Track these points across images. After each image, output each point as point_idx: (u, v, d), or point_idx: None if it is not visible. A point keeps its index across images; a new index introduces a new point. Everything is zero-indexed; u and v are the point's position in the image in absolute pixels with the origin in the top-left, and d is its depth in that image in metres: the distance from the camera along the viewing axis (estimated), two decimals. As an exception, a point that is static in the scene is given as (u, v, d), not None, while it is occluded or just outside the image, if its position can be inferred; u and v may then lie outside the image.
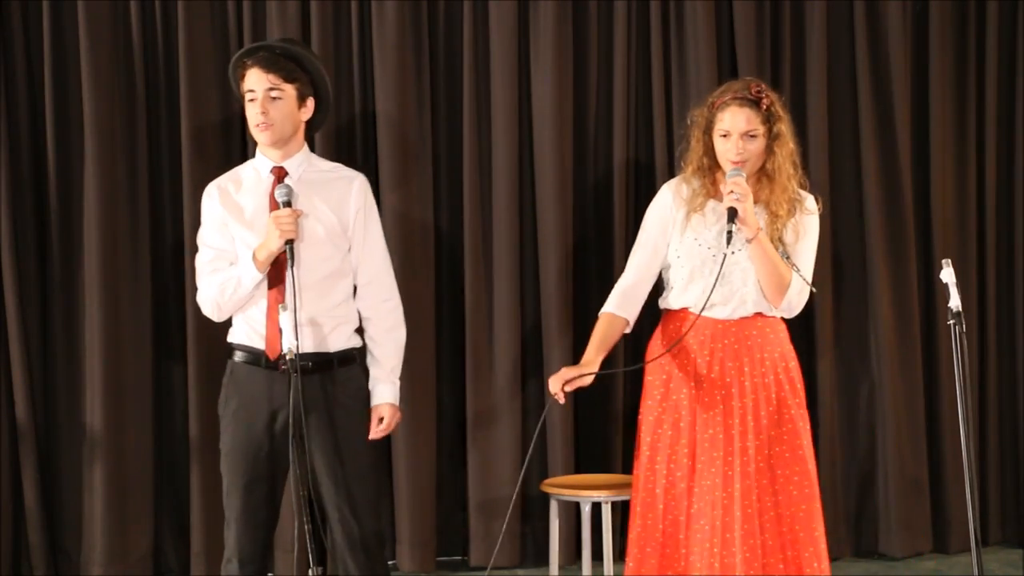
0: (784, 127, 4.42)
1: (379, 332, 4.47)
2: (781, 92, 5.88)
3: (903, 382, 6.03)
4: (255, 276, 4.29)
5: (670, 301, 4.53)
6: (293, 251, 4.24)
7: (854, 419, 6.10)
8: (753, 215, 4.33)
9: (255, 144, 5.74)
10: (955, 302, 4.04)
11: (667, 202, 4.52)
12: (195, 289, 5.62)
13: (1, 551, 5.67)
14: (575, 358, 5.88)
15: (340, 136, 5.83)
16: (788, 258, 4.41)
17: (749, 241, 4.34)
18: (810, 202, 4.50)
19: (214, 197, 4.45)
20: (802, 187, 4.51)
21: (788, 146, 4.42)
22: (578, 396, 5.91)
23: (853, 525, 6.12)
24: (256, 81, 4.35)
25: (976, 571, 4.02)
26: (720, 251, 4.35)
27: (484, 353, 5.86)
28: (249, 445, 4.32)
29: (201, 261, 4.43)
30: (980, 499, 6.08)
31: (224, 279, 4.34)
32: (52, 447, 5.77)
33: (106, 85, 5.68)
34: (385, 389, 4.46)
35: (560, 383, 4.48)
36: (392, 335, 4.49)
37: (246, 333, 4.38)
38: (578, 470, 5.84)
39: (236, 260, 4.38)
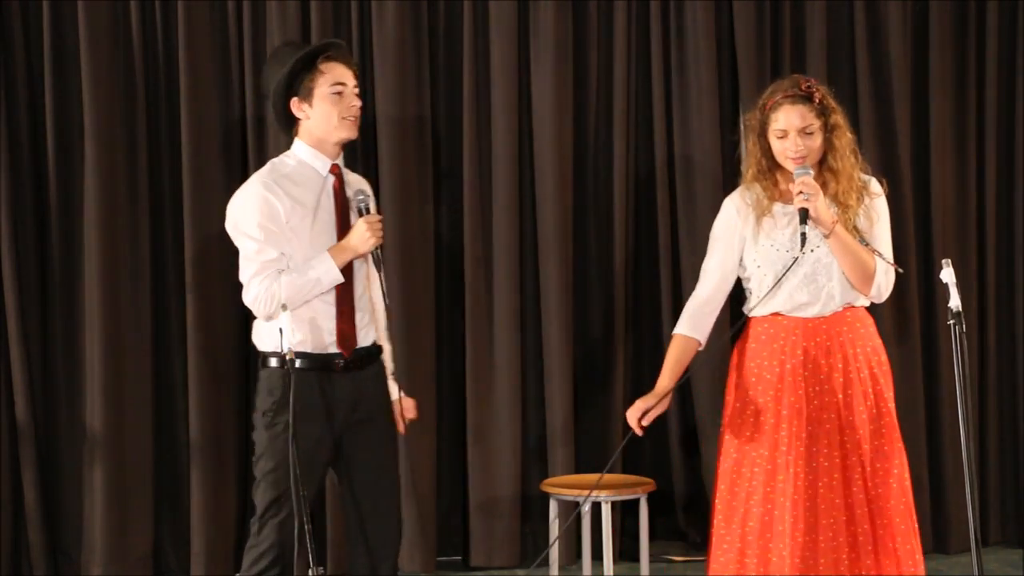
0: (839, 118, 4.39)
1: (382, 329, 4.50)
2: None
3: (903, 382, 6.02)
4: (337, 278, 4.27)
5: (757, 308, 4.45)
6: (378, 255, 4.31)
7: (854, 419, 6.10)
8: (826, 210, 4.31)
9: (256, 144, 5.77)
10: (955, 302, 4.03)
11: (731, 215, 4.47)
12: (196, 289, 5.68)
13: (1, 551, 5.67)
14: (575, 358, 5.89)
15: (340, 136, 5.83)
16: (867, 244, 4.40)
17: (827, 236, 4.33)
18: (874, 185, 4.48)
19: (279, 193, 4.30)
20: (864, 171, 4.51)
21: (847, 136, 4.40)
22: (578, 396, 5.93)
23: (853, 525, 6.12)
24: (344, 74, 4.35)
25: (976, 571, 4.01)
26: (798, 252, 4.33)
27: (484, 353, 5.86)
28: (314, 452, 4.27)
29: (264, 258, 4.27)
30: (980, 499, 6.08)
31: (300, 280, 4.25)
32: (52, 447, 5.77)
33: (106, 85, 5.68)
34: (395, 384, 4.51)
35: (637, 416, 4.43)
36: (388, 334, 4.53)
37: (305, 336, 4.29)
38: (578, 470, 5.84)
39: (290, 261, 4.30)
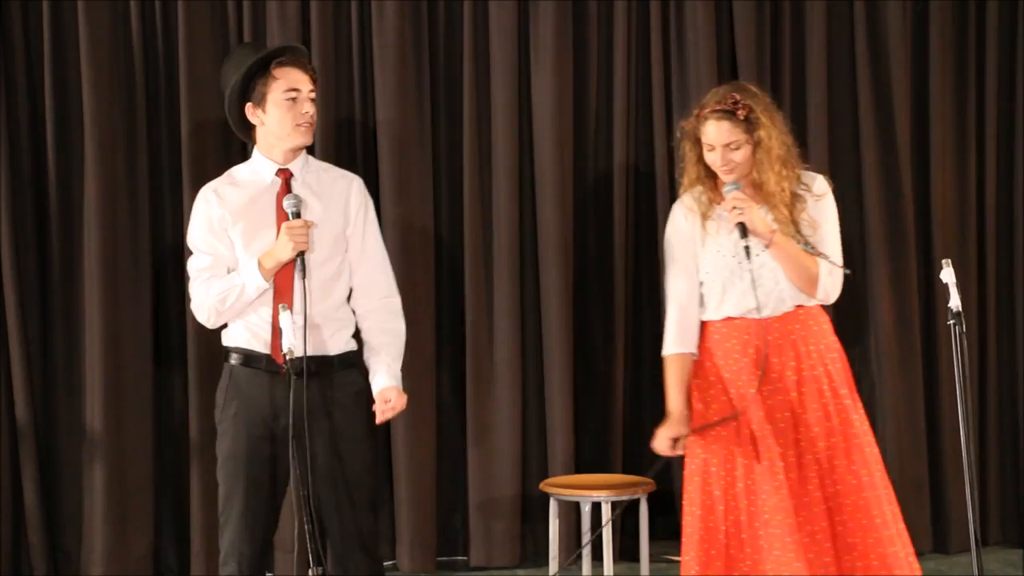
0: (765, 133, 4.39)
1: (377, 325, 4.41)
2: (781, 92, 5.92)
3: (903, 382, 6.03)
4: (261, 285, 4.25)
5: (708, 314, 4.50)
6: (304, 262, 4.21)
7: (854, 419, 6.10)
8: (762, 221, 4.35)
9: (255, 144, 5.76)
10: (955, 302, 4.04)
11: (680, 220, 4.51)
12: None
13: (1, 551, 5.67)
14: (575, 358, 5.89)
15: (340, 136, 5.83)
16: (813, 247, 4.42)
17: (767, 247, 4.35)
18: (819, 184, 4.50)
19: (211, 201, 4.36)
20: (809, 168, 4.52)
21: (774, 152, 4.41)
22: (578, 396, 5.92)
23: (853, 525, 6.12)
24: (299, 80, 4.30)
25: (976, 571, 4.02)
26: (742, 257, 4.37)
27: (484, 353, 5.86)
28: (251, 449, 4.28)
29: (196, 267, 4.35)
30: (980, 499, 6.08)
31: (225, 287, 4.27)
32: (52, 447, 5.77)
33: (106, 85, 5.68)
34: (386, 375, 4.38)
35: (666, 448, 4.44)
36: (391, 326, 4.43)
37: (246, 337, 4.32)
38: (578, 470, 5.84)
39: (234, 265, 4.32)
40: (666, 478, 5.95)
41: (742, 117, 4.38)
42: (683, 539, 4.46)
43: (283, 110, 4.30)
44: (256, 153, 4.41)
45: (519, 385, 5.88)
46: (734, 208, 4.33)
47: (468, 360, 5.87)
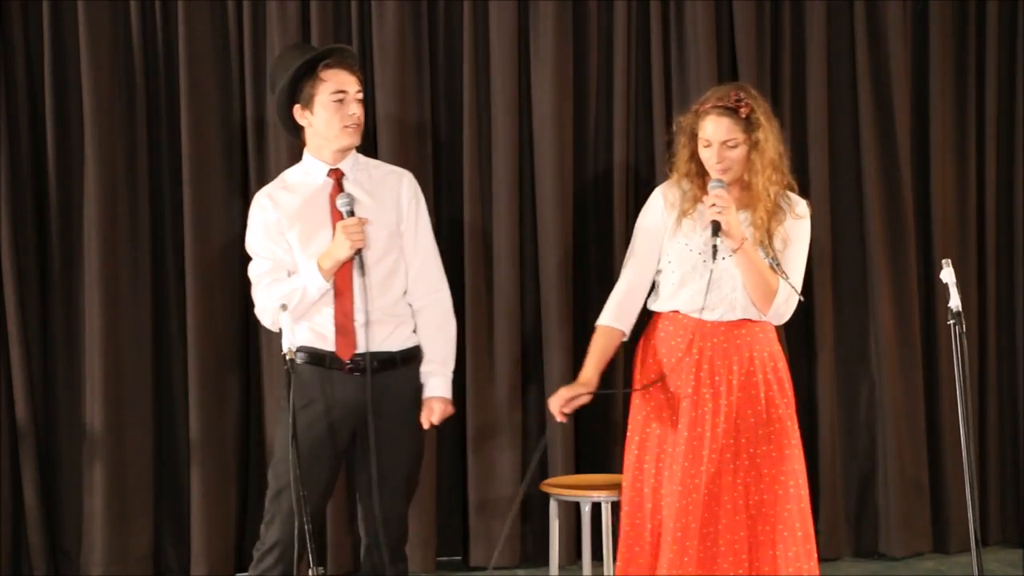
0: (763, 135, 4.41)
1: (431, 325, 4.51)
2: (781, 92, 5.92)
3: (903, 382, 6.03)
4: (322, 286, 4.30)
5: (659, 304, 4.55)
6: (362, 259, 4.28)
7: (854, 419, 6.10)
8: (737, 225, 4.35)
9: (256, 144, 5.77)
10: (955, 302, 4.05)
11: (658, 208, 4.54)
12: (195, 289, 5.68)
13: (1, 551, 5.67)
14: (575, 358, 5.88)
15: (340, 136, 5.83)
16: (778, 265, 4.42)
17: (735, 251, 4.36)
18: (801, 207, 4.51)
19: (266, 207, 4.42)
20: (791, 190, 4.52)
21: (767, 155, 4.42)
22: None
23: (853, 525, 6.12)
24: (347, 81, 4.37)
25: (976, 571, 4.02)
26: (710, 257, 4.38)
27: (484, 353, 5.86)
28: (316, 445, 4.32)
29: (258, 272, 4.40)
30: (980, 499, 6.08)
31: (287, 291, 4.32)
32: (52, 447, 5.77)
33: (106, 85, 5.68)
34: (437, 382, 4.51)
35: (559, 404, 4.49)
36: (444, 328, 4.55)
37: (309, 337, 4.36)
38: (578, 470, 5.84)
39: (294, 268, 4.37)
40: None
41: (743, 116, 4.38)
42: (619, 536, 4.52)
43: (330, 112, 4.36)
44: (306, 155, 4.47)
45: (519, 385, 5.88)
46: (713, 205, 4.33)
47: (468, 360, 5.87)
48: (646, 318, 4.67)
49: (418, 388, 4.49)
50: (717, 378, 4.41)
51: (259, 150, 5.72)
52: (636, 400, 4.54)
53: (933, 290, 6.04)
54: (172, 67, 5.74)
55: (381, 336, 4.36)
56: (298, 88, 4.38)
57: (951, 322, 4.05)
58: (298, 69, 4.35)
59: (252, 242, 4.44)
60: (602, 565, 5.02)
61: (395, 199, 4.48)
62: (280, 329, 4.16)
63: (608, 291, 5.91)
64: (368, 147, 5.82)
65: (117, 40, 5.71)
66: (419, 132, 5.83)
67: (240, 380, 5.76)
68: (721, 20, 5.94)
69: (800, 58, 6.02)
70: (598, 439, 5.97)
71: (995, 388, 6.20)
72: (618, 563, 4.52)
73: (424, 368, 4.50)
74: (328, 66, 4.36)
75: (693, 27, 5.90)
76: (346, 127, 4.37)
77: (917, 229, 6.07)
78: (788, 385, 4.51)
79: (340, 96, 4.35)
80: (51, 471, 5.76)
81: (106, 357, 5.67)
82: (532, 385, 5.93)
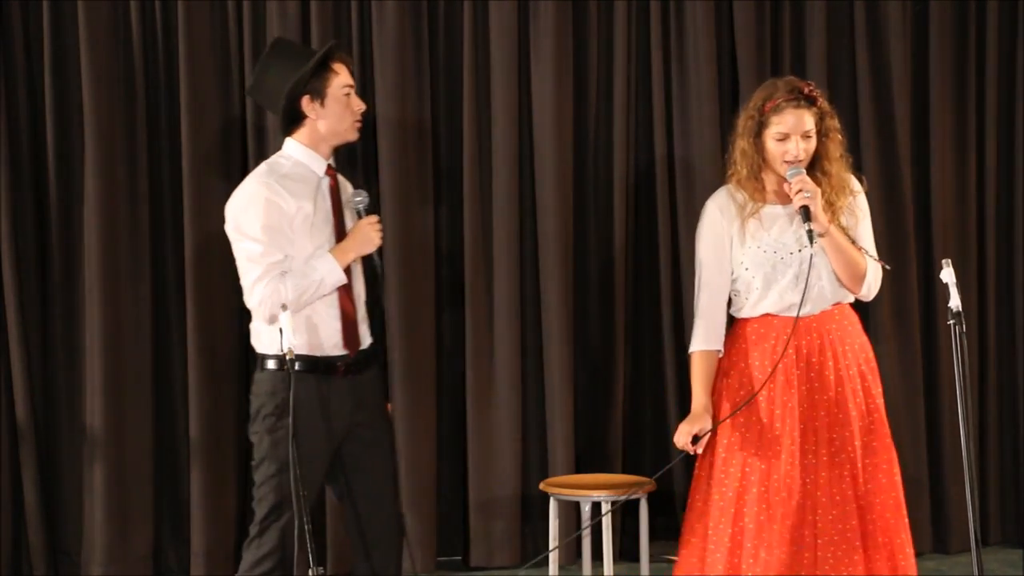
0: (834, 122, 4.44)
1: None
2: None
3: (903, 382, 6.03)
4: (340, 279, 4.26)
5: (747, 311, 4.46)
6: (377, 258, 4.31)
7: (854, 419, 6.10)
8: (822, 211, 4.34)
9: (255, 143, 5.77)
10: (955, 302, 4.04)
11: (716, 217, 4.46)
12: (195, 288, 5.68)
13: (1, 551, 5.67)
14: (575, 358, 5.89)
15: (340, 136, 5.83)
16: (854, 242, 4.42)
17: (822, 236, 4.34)
18: (855, 182, 4.51)
19: (283, 194, 4.24)
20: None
21: (839, 138, 4.45)
22: (578, 396, 5.92)
23: (853, 525, 6.11)
24: (350, 77, 4.36)
25: (976, 571, 4.01)
26: (786, 252, 4.36)
27: (484, 353, 5.86)
28: (315, 455, 4.26)
29: (270, 260, 4.21)
30: (980, 499, 6.08)
31: (304, 282, 4.21)
32: (52, 447, 5.77)
33: (106, 85, 5.68)
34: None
35: (687, 440, 4.39)
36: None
37: (303, 340, 4.25)
38: (578, 470, 5.84)
39: (292, 263, 4.28)
40: (666, 478, 5.95)
41: (818, 105, 4.39)
42: (682, 536, 4.44)
43: (342, 105, 4.32)
44: (296, 146, 4.36)
45: (519, 385, 5.88)
46: (800, 191, 4.28)
47: (468, 360, 5.87)
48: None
49: (383, 385, 4.53)
50: (812, 374, 4.38)
51: (259, 149, 5.72)
52: (726, 404, 4.41)
53: (933, 290, 6.04)
54: (172, 67, 5.74)
55: (364, 334, 4.39)
56: (307, 79, 4.33)
57: (951, 322, 4.04)
58: (317, 59, 4.29)
59: (254, 228, 4.23)
60: (602, 565, 5.01)
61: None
62: (278, 326, 4.10)
63: (608, 290, 5.95)
64: (368, 147, 5.84)
65: (117, 40, 5.71)
66: (419, 132, 5.83)
67: (240, 380, 5.75)
68: (721, 20, 5.94)
69: (800, 58, 6.02)
70: (598, 439, 5.97)
71: (995, 388, 6.20)
72: (693, 559, 4.40)
73: None
74: (339, 60, 4.36)
75: (693, 27, 5.90)
76: (356, 121, 4.37)
77: (917, 229, 6.07)
78: (878, 376, 4.50)
79: (348, 90, 4.34)
80: (51, 471, 5.76)
81: (106, 357, 5.67)
82: (532, 385, 5.93)
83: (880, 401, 4.45)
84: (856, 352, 4.44)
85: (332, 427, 4.28)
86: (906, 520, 4.40)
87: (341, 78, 4.33)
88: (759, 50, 5.95)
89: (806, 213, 4.28)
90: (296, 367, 4.07)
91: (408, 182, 5.82)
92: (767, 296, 4.41)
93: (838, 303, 4.44)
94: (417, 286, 5.80)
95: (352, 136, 4.39)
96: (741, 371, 4.41)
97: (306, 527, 3.98)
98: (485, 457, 5.88)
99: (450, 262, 5.93)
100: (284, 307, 4.13)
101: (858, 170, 5.98)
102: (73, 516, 5.77)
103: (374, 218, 4.33)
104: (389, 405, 4.58)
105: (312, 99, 4.31)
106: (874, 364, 4.49)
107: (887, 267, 4.51)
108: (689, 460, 4.54)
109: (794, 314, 4.38)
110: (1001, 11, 6.13)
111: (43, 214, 5.74)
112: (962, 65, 6.12)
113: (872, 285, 4.47)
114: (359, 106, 4.37)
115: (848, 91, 6.02)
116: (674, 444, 4.35)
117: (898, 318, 6.02)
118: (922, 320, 6.09)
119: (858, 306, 6.01)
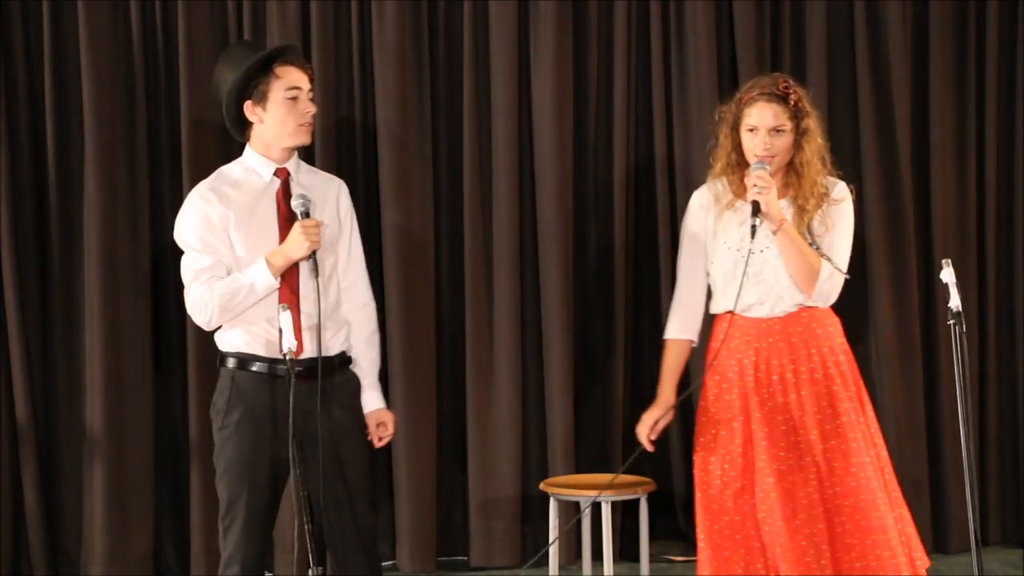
0: (812, 123, 4.41)
1: (361, 338, 4.42)
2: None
3: (903, 382, 6.03)
4: (271, 283, 4.20)
5: (713, 306, 4.51)
6: (316, 261, 4.19)
7: (854, 419, 6.10)
8: (777, 206, 4.32)
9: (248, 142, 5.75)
10: (955, 302, 4.04)
11: (697, 209, 4.50)
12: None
13: (1, 551, 5.67)
14: (575, 358, 5.89)
15: (340, 136, 5.83)
16: (818, 248, 4.40)
17: (775, 232, 4.33)
18: (839, 190, 4.48)
19: (212, 201, 4.27)
20: (832, 175, 4.52)
21: (816, 141, 4.42)
22: (578, 396, 5.92)
23: (853, 525, 6.12)
24: (299, 79, 4.27)
25: (976, 571, 4.02)
26: (747, 251, 4.35)
27: (484, 353, 5.86)
28: (256, 454, 4.24)
29: (197, 267, 4.27)
30: (980, 499, 6.08)
31: (232, 286, 4.21)
32: (52, 447, 5.77)
33: (106, 85, 5.68)
34: (375, 396, 4.43)
35: (646, 432, 4.43)
36: (374, 340, 4.46)
37: (246, 340, 4.27)
38: (578, 470, 5.84)
39: (233, 268, 4.25)
40: (666, 478, 5.96)
41: (792, 103, 4.37)
42: (698, 537, 4.45)
43: (285, 109, 4.26)
44: (250, 152, 4.36)
45: (519, 385, 5.88)
46: (755, 185, 4.28)
47: (468, 360, 5.87)
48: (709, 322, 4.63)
49: (356, 390, 4.39)
50: (775, 376, 4.38)
51: (259, 150, 5.72)
52: (701, 403, 4.48)
53: (933, 290, 6.04)
54: (172, 66, 5.75)
55: (325, 339, 4.26)
56: (249, 84, 4.30)
57: (951, 322, 4.04)
58: (253, 64, 4.28)
59: (190, 236, 4.30)
60: (602, 565, 5.01)
61: (334, 206, 4.39)
62: (214, 329, 4.22)
63: (608, 289, 5.95)
64: (368, 147, 5.84)
65: (117, 40, 5.72)
66: (419, 132, 5.84)
67: (240, 380, 5.75)
68: (721, 20, 5.95)
69: (800, 58, 6.02)
70: (598, 439, 5.97)
71: (995, 388, 6.20)
72: (714, 563, 4.41)
73: (361, 379, 4.42)
74: (284, 63, 4.28)
75: (693, 27, 5.90)
76: (300, 125, 4.30)
77: (917, 229, 6.07)
78: (853, 378, 4.46)
79: (294, 93, 4.27)
80: (51, 471, 5.76)
81: (106, 357, 5.67)
82: (532, 385, 5.93)
83: (850, 405, 4.40)
84: (824, 355, 4.42)
85: (279, 431, 4.21)
86: (887, 520, 4.35)
87: (284, 81, 4.25)
88: (759, 50, 5.95)
89: (756, 207, 4.28)
90: (230, 364, 4.23)
91: (408, 182, 5.82)
92: (726, 293, 4.43)
93: (802, 306, 4.43)
94: (417, 286, 5.80)
95: (300, 140, 4.30)
96: (714, 368, 4.45)
97: (306, 527, 3.98)
98: (485, 457, 5.88)
99: (450, 262, 5.93)
100: (284, 307, 4.10)
101: (858, 171, 6.04)
102: (73, 516, 5.77)
103: (311, 221, 4.20)
104: (388, 413, 4.46)
105: (254, 104, 4.28)
106: (847, 368, 4.46)
107: (847, 276, 4.50)
108: (690, 457, 4.55)
109: (754, 315, 4.39)
110: (1001, 11, 6.13)
111: (43, 214, 5.75)
112: (962, 65, 6.12)
113: (827, 291, 4.43)
114: (307, 109, 4.28)
115: (848, 91, 6.03)
116: (627, 422, 4.40)
117: (898, 318, 6.02)
118: (922, 320, 6.09)
119: (858, 306, 6.05)
